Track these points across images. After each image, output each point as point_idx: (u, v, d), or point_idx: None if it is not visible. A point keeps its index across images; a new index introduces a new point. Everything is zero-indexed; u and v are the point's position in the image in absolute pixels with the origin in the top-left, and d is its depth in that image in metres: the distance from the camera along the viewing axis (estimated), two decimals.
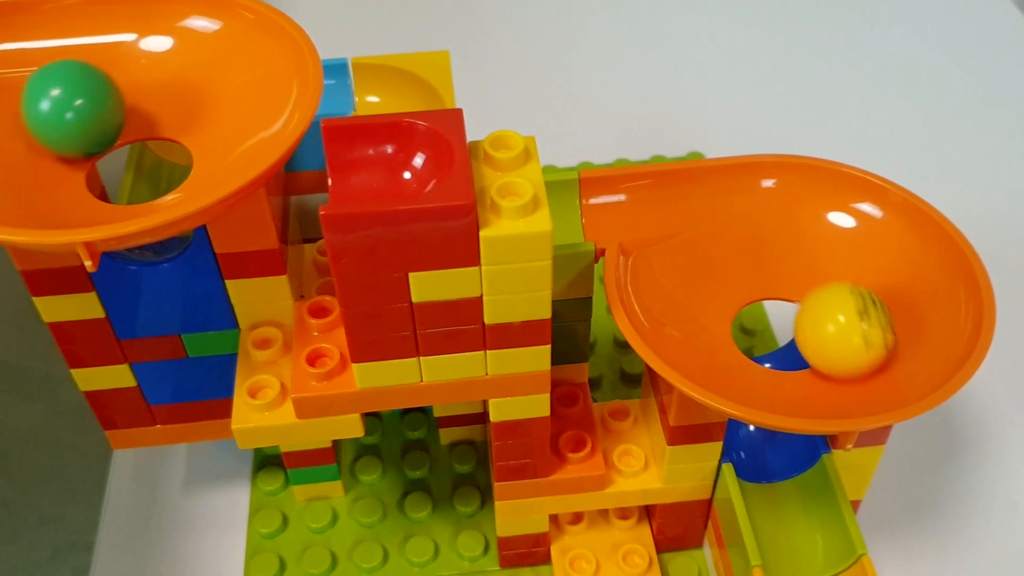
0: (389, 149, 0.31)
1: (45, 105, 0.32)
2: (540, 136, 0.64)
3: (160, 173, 0.41)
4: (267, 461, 0.46)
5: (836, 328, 0.33)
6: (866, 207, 0.37)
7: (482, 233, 0.30)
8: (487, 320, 0.32)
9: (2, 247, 0.33)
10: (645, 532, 0.43)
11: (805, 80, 0.68)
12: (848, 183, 0.37)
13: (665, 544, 0.43)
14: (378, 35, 0.69)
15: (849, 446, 0.32)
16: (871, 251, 0.36)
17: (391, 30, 0.70)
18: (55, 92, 0.32)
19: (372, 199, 0.30)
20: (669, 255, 0.38)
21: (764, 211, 0.38)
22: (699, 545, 0.44)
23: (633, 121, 0.64)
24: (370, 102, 0.44)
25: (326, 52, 0.45)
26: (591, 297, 0.38)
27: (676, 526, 0.42)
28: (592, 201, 0.39)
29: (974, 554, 0.44)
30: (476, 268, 0.31)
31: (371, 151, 0.31)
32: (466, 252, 0.30)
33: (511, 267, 0.31)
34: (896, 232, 0.36)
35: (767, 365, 0.41)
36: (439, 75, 0.44)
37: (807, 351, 0.35)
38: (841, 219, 0.37)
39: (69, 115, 0.33)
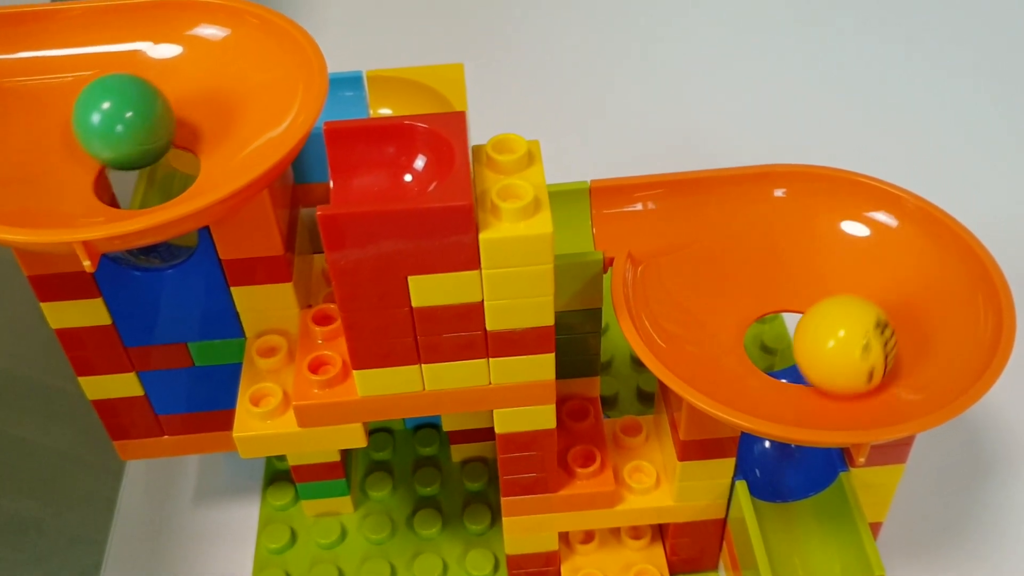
0: (391, 151, 0.31)
1: (95, 118, 0.32)
2: (557, 150, 0.63)
3: (172, 184, 0.41)
4: (277, 476, 0.46)
5: (837, 344, 0.32)
6: (880, 216, 0.36)
7: (481, 235, 0.29)
8: (488, 327, 0.32)
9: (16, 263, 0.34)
10: (658, 553, 0.41)
11: (824, 93, 0.67)
12: (861, 192, 0.36)
13: (679, 566, 0.42)
14: (396, 49, 0.70)
15: (861, 460, 0.31)
16: (886, 260, 0.35)
17: (409, 44, 0.71)
18: (106, 105, 0.32)
19: (372, 200, 0.29)
20: (680, 265, 0.37)
21: (777, 221, 0.38)
22: (714, 567, 0.42)
23: (652, 137, 0.64)
24: (383, 115, 0.44)
25: (344, 66, 0.45)
26: (600, 308, 0.38)
27: (690, 547, 0.41)
28: (603, 211, 0.39)
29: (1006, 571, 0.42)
30: (476, 272, 0.30)
31: (373, 154, 0.31)
32: (466, 255, 0.30)
33: (511, 271, 0.30)
34: (911, 241, 0.35)
35: (783, 380, 0.40)
36: (453, 87, 0.44)
37: (804, 363, 0.34)
38: (855, 228, 0.36)
39: (119, 128, 0.32)
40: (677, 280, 0.37)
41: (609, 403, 0.48)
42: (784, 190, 0.38)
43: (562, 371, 0.39)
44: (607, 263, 0.36)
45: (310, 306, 0.37)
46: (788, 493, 0.39)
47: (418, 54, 0.63)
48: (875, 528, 0.40)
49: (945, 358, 0.32)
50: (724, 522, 0.40)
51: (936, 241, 0.35)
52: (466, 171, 0.29)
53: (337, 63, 0.46)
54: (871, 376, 0.32)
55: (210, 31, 0.36)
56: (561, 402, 0.40)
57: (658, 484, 0.39)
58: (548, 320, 0.32)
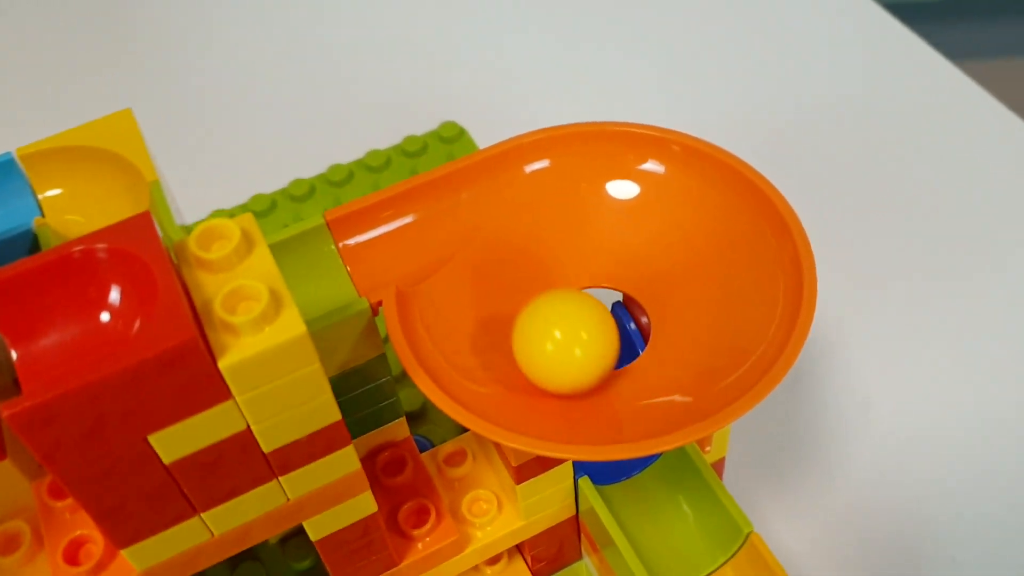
0: (74, 289, 0.24)
1: None
2: (272, 152, 0.57)
3: None
4: None
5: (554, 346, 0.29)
6: (647, 166, 0.33)
7: (220, 363, 0.24)
8: (265, 449, 0.26)
9: None
10: (520, 568, 0.39)
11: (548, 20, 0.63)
12: (619, 142, 0.33)
13: (544, 571, 0.39)
14: (55, 115, 0.59)
15: (708, 448, 0.28)
16: (666, 214, 0.32)
17: (72, 103, 0.60)
18: None
19: (68, 373, 0.23)
20: (451, 282, 0.33)
21: (540, 199, 0.34)
22: (578, 558, 0.40)
23: (366, 108, 0.58)
24: (52, 197, 0.36)
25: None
26: (383, 353, 0.33)
27: (549, 550, 0.38)
28: (350, 243, 0.33)
29: (841, 462, 0.42)
30: (229, 401, 0.25)
31: (53, 299, 0.24)
32: (209, 390, 0.24)
33: (271, 386, 0.25)
34: (686, 186, 0.32)
35: None
36: (127, 140, 0.37)
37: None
38: (623, 186, 0.33)
39: None
40: (452, 300, 0.33)
41: (418, 417, 0.44)
42: (541, 162, 0.34)
43: (363, 426, 0.35)
44: (375, 307, 0.32)
45: (42, 467, 0.31)
46: (630, 467, 0.37)
47: (86, 110, 0.54)
48: (720, 465, 0.39)
49: (751, 314, 0.30)
50: (576, 516, 0.38)
51: (710, 180, 0.32)
52: (174, 291, 0.24)
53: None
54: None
55: None
56: (371, 457, 0.36)
57: (501, 508, 0.36)
58: (333, 416, 0.27)
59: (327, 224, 0.33)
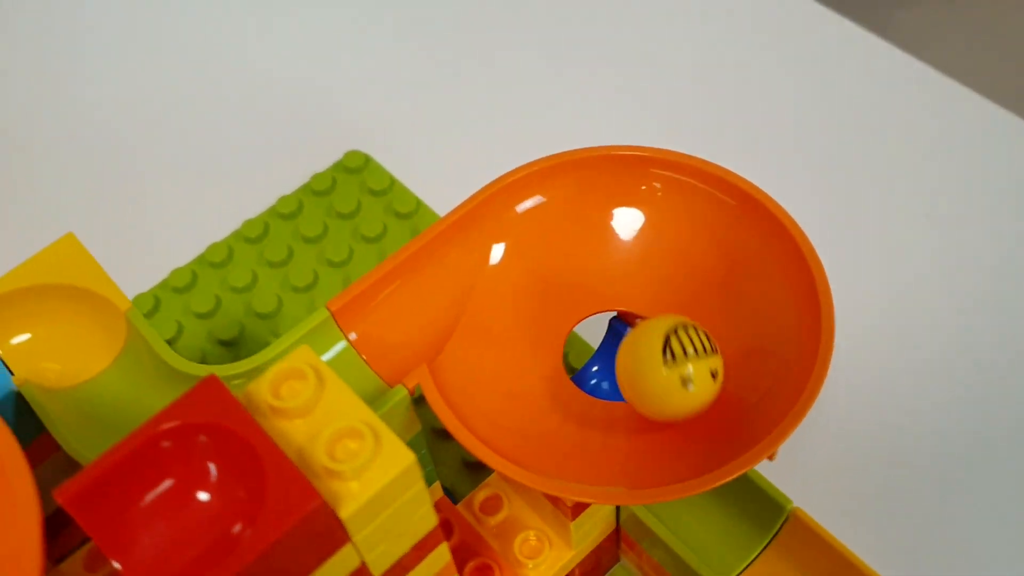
0: (166, 476, 0.23)
1: None
2: (178, 220, 0.52)
3: None
4: None
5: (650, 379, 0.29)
6: (645, 189, 0.33)
7: (342, 515, 0.23)
8: (376, 574, 0.26)
9: None
10: None
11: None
12: (613, 167, 0.33)
13: None
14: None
15: (776, 460, 0.30)
16: (670, 237, 0.33)
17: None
18: None
19: (191, 568, 0.22)
20: (467, 341, 0.33)
21: (542, 239, 0.34)
22: (616, 561, 0.41)
23: (264, 154, 0.55)
24: (19, 344, 0.33)
25: None
26: (420, 430, 0.33)
27: (589, 563, 0.40)
28: (358, 334, 0.33)
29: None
30: (348, 545, 0.24)
31: (142, 493, 0.23)
32: (331, 542, 0.23)
33: (383, 517, 0.24)
34: (684, 205, 0.33)
35: (595, 368, 0.38)
36: (81, 268, 0.34)
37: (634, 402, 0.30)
38: (625, 215, 0.33)
39: None
40: (475, 358, 0.33)
41: None
42: (540, 198, 0.34)
43: None
44: (412, 392, 0.31)
45: None
46: None
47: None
48: None
49: (771, 322, 0.31)
50: (617, 526, 0.39)
51: (703, 196, 0.33)
52: (279, 457, 0.23)
53: None
54: (686, 382, 0.29)
55: None
56: None
57: (552, 544, 0.36)
58: (432, 522, 0.27)
59: (333, 315, 0.32)
